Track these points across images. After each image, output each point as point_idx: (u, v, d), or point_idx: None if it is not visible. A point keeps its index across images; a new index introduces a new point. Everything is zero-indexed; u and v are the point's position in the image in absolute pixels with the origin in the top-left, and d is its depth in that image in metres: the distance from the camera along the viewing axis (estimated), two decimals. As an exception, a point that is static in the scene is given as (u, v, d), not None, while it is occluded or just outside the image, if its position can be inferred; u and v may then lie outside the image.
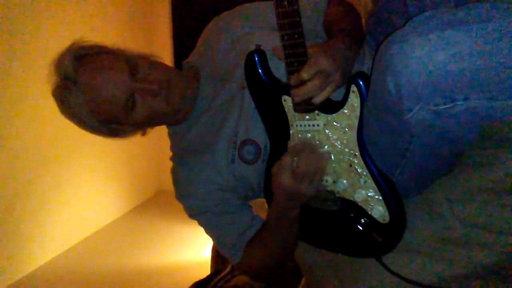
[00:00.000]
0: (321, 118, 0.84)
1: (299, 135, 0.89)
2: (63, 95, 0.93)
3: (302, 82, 0.79)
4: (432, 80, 0.62)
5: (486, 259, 0.80)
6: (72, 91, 0.91)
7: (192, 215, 1.05)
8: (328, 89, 0.81)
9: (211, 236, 1.07)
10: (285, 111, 0.89)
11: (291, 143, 0.89)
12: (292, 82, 0.80)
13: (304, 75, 0.77)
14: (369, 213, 0.85)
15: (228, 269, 1.68)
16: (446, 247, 0.83)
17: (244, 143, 0.98)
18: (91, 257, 2.70)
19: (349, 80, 0.80)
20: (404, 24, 0.67)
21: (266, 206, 1.02)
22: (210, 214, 1.02)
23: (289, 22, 0.76)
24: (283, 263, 1.06)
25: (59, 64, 0.93)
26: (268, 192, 0.99)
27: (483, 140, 0.75)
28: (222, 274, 1.65)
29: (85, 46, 0.96)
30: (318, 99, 0.81)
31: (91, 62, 0.93)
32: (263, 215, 1.05)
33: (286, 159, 0.82)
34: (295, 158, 0.81)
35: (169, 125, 1.10)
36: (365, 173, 0.83)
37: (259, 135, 0.97)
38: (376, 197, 0.83)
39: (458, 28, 0.61)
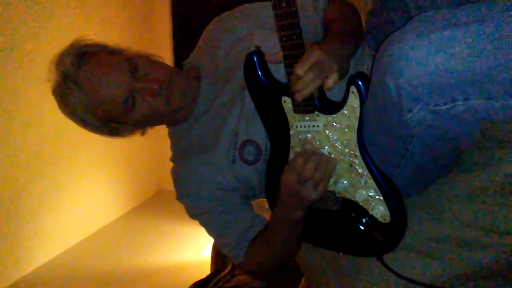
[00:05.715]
0: (321, 119, 0.84)
1: (299, 136, 0.89)
2: (63, 93, 0.93)
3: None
4: (432, 80, 0.62)
5: (486, 259, 0.80)
6: (72, 89, 0.91)
7: (193, 216, 1.05)
8: (330, 79, 0.78)
9: (212, 236, 1.07)
10: (285, 112, 0.89)
11: (306, 146, 0.88)
12: (292, 81, 0.80)
13: (298, 70, 0.76)
14: (370, 213, 0.85)
15: (228, 269, 1.68)
16: (446, 247, 0.83)
17: (244, 143, 0.98)
18: (91, 257, 2.70)
19: (348, 80, 0.80)
20: (404, 24, 0.67)
21: (267, 206, 1.02)
22: (211, 214, 1.02)
23: (288, 24, 0.75)
24: (286, 263, 1.06)
25: (60, 62, 0.93)
26: (269, 192, 0.99)
27: (483, 140, 0.75)
28: (222, 274, 1.65)
29: (86, 45, 0.96)
30: (318, 92, 0.79)
31: (92, 61, 0.93)
32: (263, 215, 1.05)
33: (297, 160, 0.83)
34: (304, 162, 0.81)
35: (169, 125, 1.10)
36: (365, 173, 0.83)
37: (260, 135, 0.97)
38: (377, 197, 0.83)
39: (458, 28, 0.61)
